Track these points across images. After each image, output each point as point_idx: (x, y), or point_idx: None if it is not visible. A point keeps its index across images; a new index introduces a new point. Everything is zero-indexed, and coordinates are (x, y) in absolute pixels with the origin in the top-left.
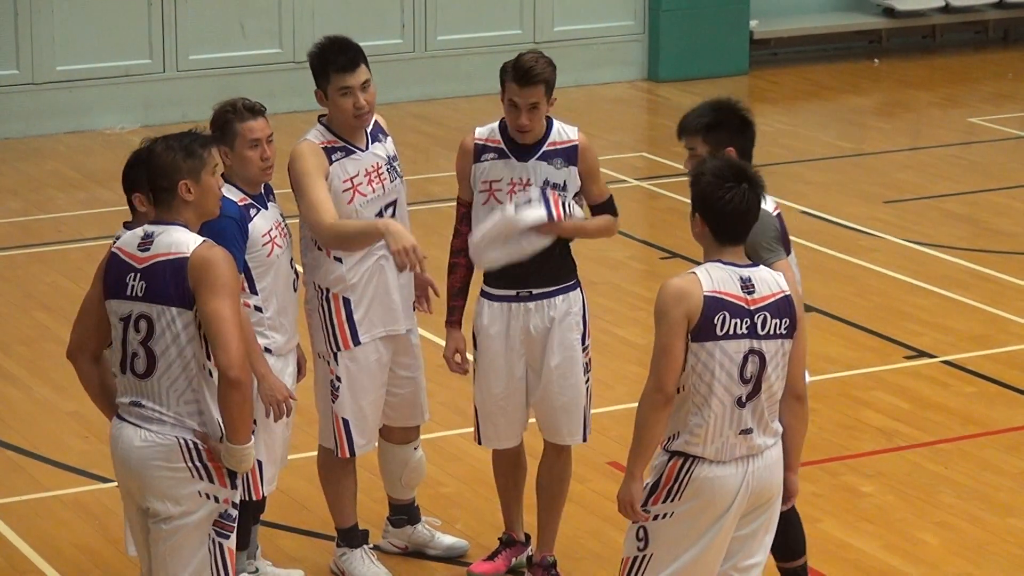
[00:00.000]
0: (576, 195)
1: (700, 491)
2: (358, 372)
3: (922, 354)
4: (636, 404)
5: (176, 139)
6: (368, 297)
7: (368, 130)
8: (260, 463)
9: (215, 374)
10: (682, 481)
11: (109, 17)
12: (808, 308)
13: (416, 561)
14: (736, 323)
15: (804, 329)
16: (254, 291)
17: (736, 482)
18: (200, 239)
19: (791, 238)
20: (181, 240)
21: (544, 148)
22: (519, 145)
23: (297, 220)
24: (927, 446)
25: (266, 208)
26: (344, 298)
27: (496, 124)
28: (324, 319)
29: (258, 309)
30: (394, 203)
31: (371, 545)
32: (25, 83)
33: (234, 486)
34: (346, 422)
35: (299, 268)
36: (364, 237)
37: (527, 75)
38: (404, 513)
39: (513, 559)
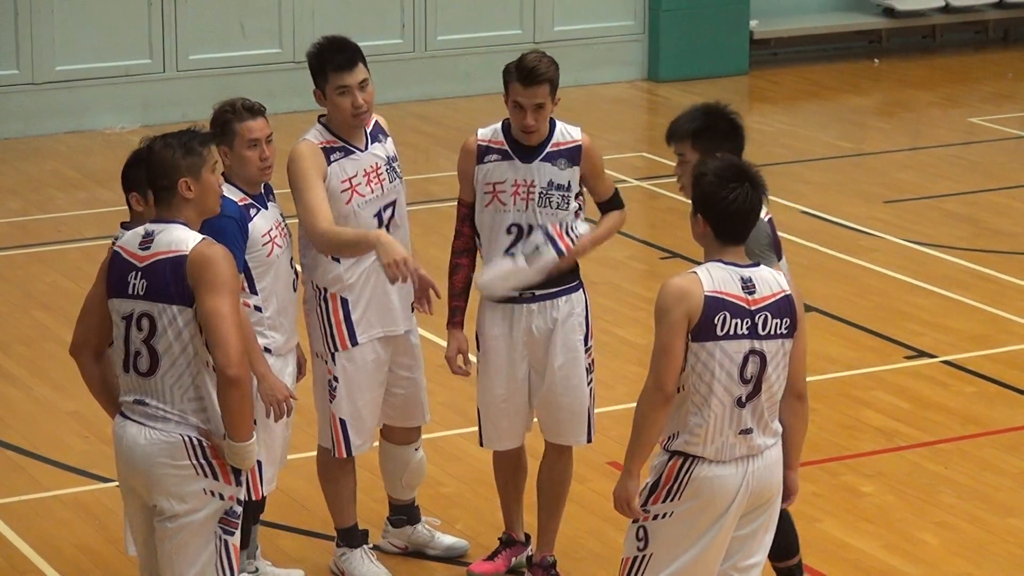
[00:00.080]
0: (578, 195)
1: (700, 491)
2: (355, 372)
3: (922, 354)
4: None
5: (175, 137)
6: (366, 297)
7: (368, 130)
8: (260, 463)
9: None
10: (682, 481)
11: (109, 17)
12: (808, 308)
13: (416, 561)
14: (737, 323)
15: (804, 328)
16: (254, 291)
17: (736, 482)
18: (200, 237)
19: (791, 238)
20: (181, 238)
21: (548, 149)
22: (523, 146)
23: (297, 220)
24: (927, 446)
25: (266, 208)
26: (342, 298)
27: (499, 125)
28: (322, 319)
29: (258, 309)
30: (393, 203)
31: (371, 545)
32: (25, 83)
33: (239, 483)
34: (343, 422)
35: (299, 268)
36: (356, 247)
37: (531, 75)
38: (404, 513)
39: (513, 559)
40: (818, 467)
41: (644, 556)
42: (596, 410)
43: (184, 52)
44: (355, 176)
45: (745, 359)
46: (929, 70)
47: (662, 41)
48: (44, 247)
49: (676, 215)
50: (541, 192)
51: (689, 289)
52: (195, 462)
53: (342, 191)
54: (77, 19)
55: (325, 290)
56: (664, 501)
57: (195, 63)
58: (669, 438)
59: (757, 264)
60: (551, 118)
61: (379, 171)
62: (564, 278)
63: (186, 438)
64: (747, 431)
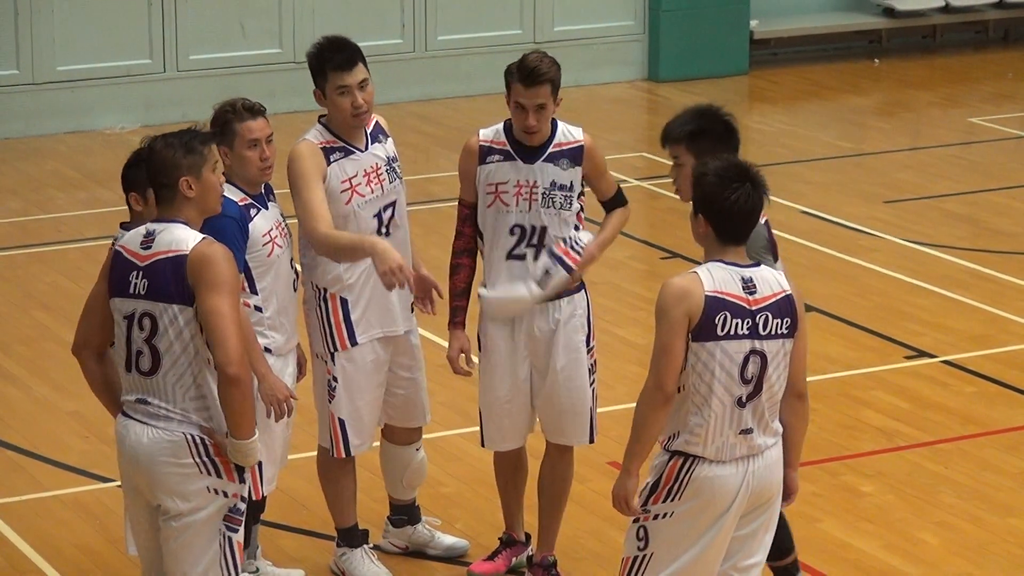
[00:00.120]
0: (580, 194)
1: (700, 491)
2: (355, 372)
3: (922, 354)
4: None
5: (176, 136)
6: (365, 298)
7: (368, 131)
8: (260, 463)
9: None
10: (682, 481)
11: (109, 17)
12: (808, 308)
13: (416, 561)
14: (737, 323)
15: (805, 328)
16: (254, 291)
17: (736, 482)
18: (200, 236)
19: (791, 238)
20: (181, 237)
21: (550, 150)
22: (525, 147)
23: (297, 220)
24: (927, 446)
25: (266, 208)
26: (341, 298)
27: (500, 126)
28: (321, 319)
29: (258, 309)
30: (393, 204)
31: (371, 545)
32: (25, 83)
33: (242, 480)
34: (342, 422)
35: (299, 268)
36: (352, 252)
37: (532, 75)
38: (404, 513)
39: (513, 559)
40: (818, 467)
41: (644, 556)
42: (598, 410)
43: (184, 52)
44: (355, 176)
45: (746, 359)
46: (929, 70)
47: (662, 41)
48: (44, 247)
49: (676, 215)
50: (544, 193)
51: (690, 289)
52: (198, 460)
53: (342, 191)
54: (77, 19)
55: (325, 290)
56: (664, 501)
57: (195, 63)
58: (669, 438)
59: (758, 264)
60: (553, 118)
61: (379, 171)
62: None
63: (189, 436)
64: (747, 431)
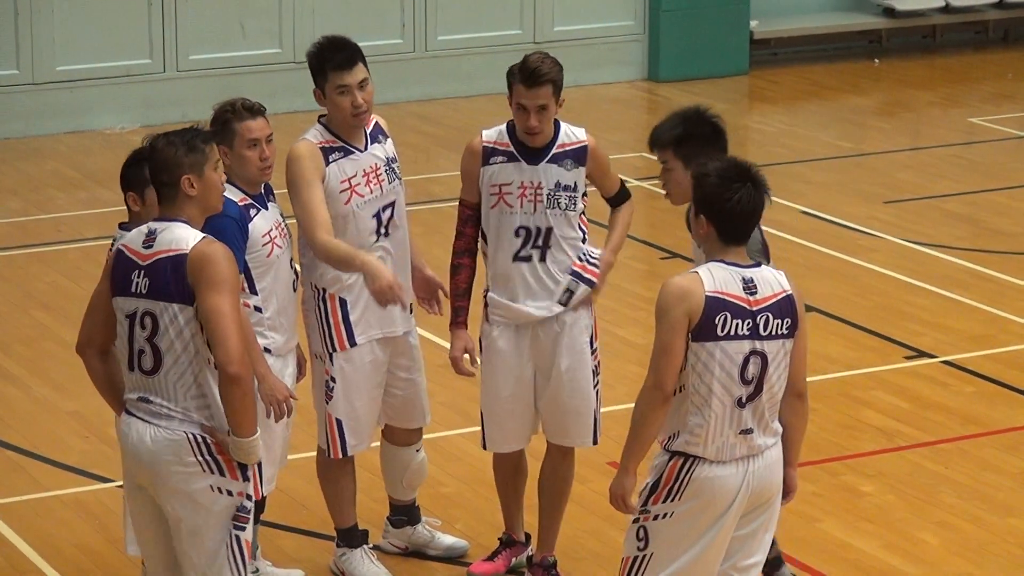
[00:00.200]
0: (584, 194)
1: (700, 491)
2: (353, 373)
3: (922, 354)
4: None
5: (177, 135)
6: (364, 298)
7: (368, 131)
8: (259, 463)
9: None
10: (682, 481)
11: (109, 17)
12: (808, 308)
13: (416, 561)
14: (738, 324)
15: (805, 328)
16: (254, 291)
17: (736, 482)
18: (201, 235)
19: (791, 238)
20: (182, 236)
21: (554, 151)
22: (529, 148)
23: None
24: (927, 446)
25: (266, 208)
26: (340, 299)
27: (503, 127)
28: (320, 319)
29: (258, 309)
30: (392, 204)
31: (371, 545)
32: (25, 83)
33: (246, 478)
34: (339, 422)
35: (298, 268)
36: (346, 265)
37: (534, 76)
38: (404, 513)
39: (513, 559)
40: (818, 467)
41: (644, 556)
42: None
43: (184, 52)
44: (354, 176)
45: (746, 360)
46: (929, 70)
47: (662, 41)
48: (44, 247)
49: (676, 215)
50: (549, 194)
51: (690, 289)
52: (200, 459)
53: (341, 191)
54: (77, 19)
55: (324, 290)
56: (664, 501)
57: (195, 63)
58: (669, 438)
59: (758, 264)
60: (556, 119)
61: (378, 172)
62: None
63: (190, 436)
64: (747, 431)
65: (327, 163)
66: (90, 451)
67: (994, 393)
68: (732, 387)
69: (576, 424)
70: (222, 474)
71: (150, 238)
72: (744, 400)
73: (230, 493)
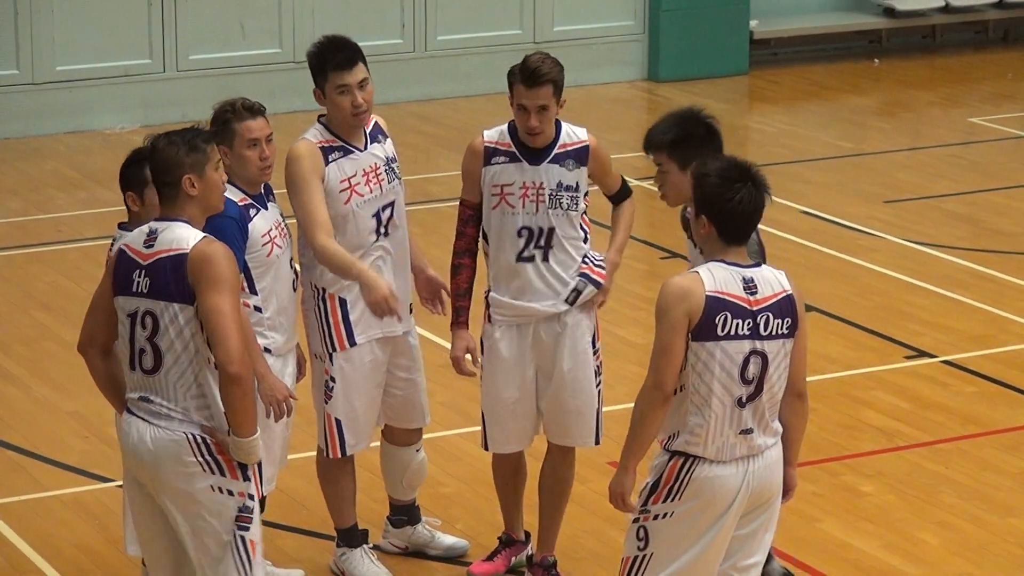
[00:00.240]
0: (585, 194)
1: (700, 491)
2: (352, 373)
3: (922, 354)
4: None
5: (178, 135)
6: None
7: (367, 131)
8: (259, 463)
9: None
10: (682, 481)
11: (109, 17)
12: (808, 308)
13: (416, 561)
14: (738, 324)
15: (805, 328)
16: (254, 291)
17: (736, 482)
18: (201, 235)
19: (791, 238)
20: (182, 236)
21: (555, 151)
22: (530, 148)
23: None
24: (927, 446)
25: (266, 208)
26: (340, 298)
27: (505, 127)
28: (320, 319)
29: (257, 309)
30: (392, 204)
31: (371, 545)
32: (25, 83)
33: (247, 478)
34: (338, 422)
35: (298, 268)
36: (344, 273)
37: (534, 76)
38: (404, 513)
39: (513, 559)
40: (818, 467)
41: (644, 556)
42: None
43: (184, 52)
44: (354, 176)
45: (746, 360)
46: (929, 70)
47: (662, 41)
48: (44, 247)
49: (675, 215)
50: (551, 194)
51: (690, 288)
52: (200, 459)
53: (341, 191)
54: (77, 19)
55: (323, 290)
56: (665, 501)
57: (195, 63)
58: (669, 438)
59: (759, 264)
60: (557, 119)
61: (378, 171)
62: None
63: (190, 436)
64: (747, 431)
65: (326, 163)
66: (90, 451)
67: (994, 393)
68: (732, 387)
69: (578, 424)
70: (222, 474)
71: (151, 238)
72: (744, 400)
73: (231, 493)
